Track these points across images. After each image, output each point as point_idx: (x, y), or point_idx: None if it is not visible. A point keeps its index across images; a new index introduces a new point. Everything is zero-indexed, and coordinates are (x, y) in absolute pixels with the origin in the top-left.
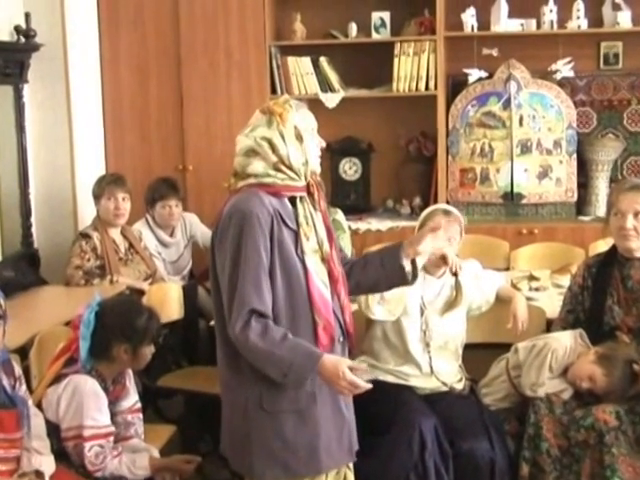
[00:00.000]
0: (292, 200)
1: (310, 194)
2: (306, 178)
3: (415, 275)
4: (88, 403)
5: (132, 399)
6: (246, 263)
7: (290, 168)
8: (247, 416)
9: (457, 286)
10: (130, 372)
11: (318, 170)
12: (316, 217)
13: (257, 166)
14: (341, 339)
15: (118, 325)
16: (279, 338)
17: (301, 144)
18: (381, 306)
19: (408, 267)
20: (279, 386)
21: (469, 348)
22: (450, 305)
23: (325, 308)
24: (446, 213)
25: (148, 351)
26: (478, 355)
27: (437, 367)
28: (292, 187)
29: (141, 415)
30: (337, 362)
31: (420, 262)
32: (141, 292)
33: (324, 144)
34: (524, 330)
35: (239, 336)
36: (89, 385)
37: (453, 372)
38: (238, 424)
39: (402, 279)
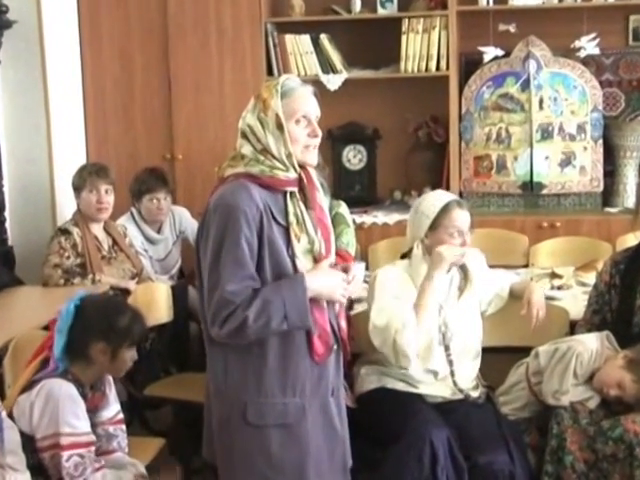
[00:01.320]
0: (283, 195)
1: (302, 189)
2: (295, 170)
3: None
4: (64, 408)
5: (113, 409)
6: (227, 261)
7: (274, 158)
8: (230, 428)
9: (463, 268)
10: (110, 379)
11: (312, 163)
12: (307, 215)
13: (248, 149)
14: (335, 347)
15: (96, 321)
16: (257, 301)
17: (282, 135)
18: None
19: None
20: (266, 397)
21: (485, 352)
22: (461, 290)
23: (320, 316)
24: (460, 205)
25: (128, 356)
26: (495, 360)
27: (458, 371)
28: (281, 179)
29: (124, 426)
30: (317, 268)
31: None
32: (126, 292)
33: (319, 133)
34: (540, 319)
35: (224, 336)
36: (64, 389)
37: (471, 378)
38: (221, 435)
39: None
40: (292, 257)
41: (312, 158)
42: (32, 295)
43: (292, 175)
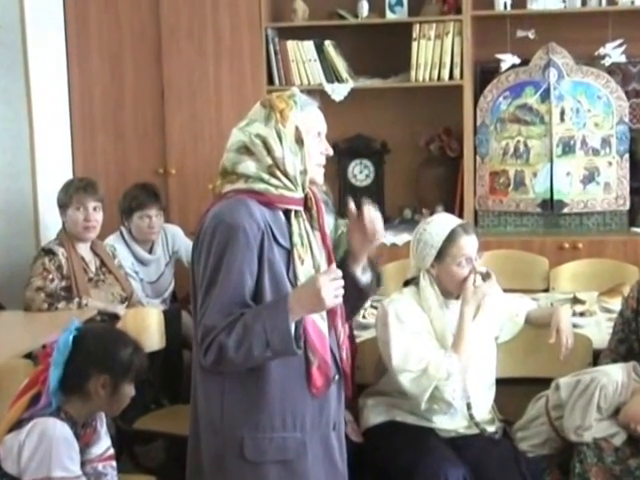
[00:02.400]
0: (286, 214)
1: (308, 209)
2: (304, 189)
3: (378, 280)
4: (58, 450)
5: (104, 444)
6: (222, 286)
7: (285, 175)
8: (225, 466)
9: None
10: (102, 413)
11: (320, 181)
12: (313, 237)
13: (249, 166)
14: (336, 378)
15: (100, 353)
16: (237, 328)
17: (300, 149)
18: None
19: (359, 273)
20: (264, 431)
21: (501, 384)
22: (473, 315)
23: (321, 344)
24: (466, 230)
25: (128, 391)
26: (512, 392)
27: (474, 400)
28: (287, 198)
29: (114, 463)
30: (304, 283)
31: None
32: (115, 318)
33: (331, 152)
34: (569, 348)
35: (209, 367)
36: (58, 429)
37: (487, 409)
38: (214, 474)
39: (361, 297)
40: (294, 281)
41: (321, 177)
42: (13, 320)
43: (298, 195)
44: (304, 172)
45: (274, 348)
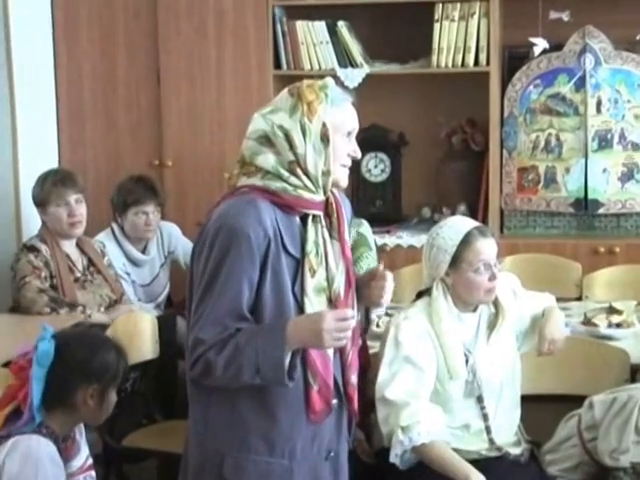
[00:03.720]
0: (303, 219)
1: (328, 215)
2: (325, 192)
3: (367, 324)
4: (45, 471)
5: (83, 455)
6: (218, 295)
7: (306, 174)
8: None
9: (495, 302)
10: (80, 425)
11: (344, 184)
12: (330, 246)
13: (268, 159)
14: (334, 402)
15: (86, 361)
16: (229, 347)
17: (325, 148)
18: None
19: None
20: (248, 452)
21: (528, 402)
22: (492, 326)
23: (324, 367)
24: (483, 233)
25: (113, 397)
26: (540, 411)
27: (495, 426)
28: (305, 201)
29: (94, 473)
30: (309, 314)
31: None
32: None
33: (359, 154)
34: (552, 353)
35: (194, 378)
36: (43, 448)
37: (511, 431)
38: None
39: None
40: (299, 295)
41: (345, 179)
42: None
43: (318, 198)
44: (327, 173)
45: (264, 376)
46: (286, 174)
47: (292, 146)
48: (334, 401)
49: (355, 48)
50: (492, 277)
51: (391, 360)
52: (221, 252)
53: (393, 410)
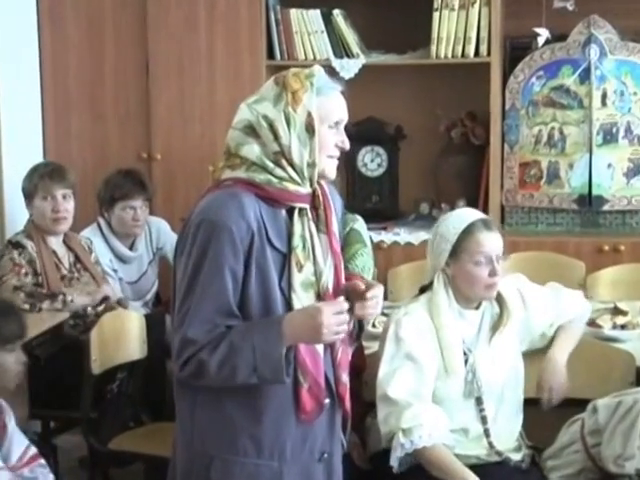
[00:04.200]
0: (290, 212)
1: (315, 207)
2: (312, 184)
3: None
4: None
5: (20, 445)
6: (202, 291)
7: (291, 165)
8: None
9: (499, 299)
10: (7, 408)
11: (332, 176)
12: (317, 240)
13: (254, 149)
14: (327, 402)
15: None
16: (223, 346)
17: (310, 139)
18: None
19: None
20: (236, 454)
21: (529, 405)
22: (495, 326)
23: (314, 364)
24: (487, 226)
25: (10, 359)
26: (542, 415)
27: (494, 430)
28: (290, 193)
29: (43, 461)
30: (305, 308)
31: None
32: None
33: (347, 145)
34: (553, 403)
35: (184, 379)
36: None
37: (512, 436)
38: None
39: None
40: (286, 290)
41: (333, 171)
42: None
43: (304, 190)
44: (312, 165)
45: (261, 375)
46: (271, 165)
47: (277, 136)
48: (326, 400)
49: (351, 38)
50: (493, 272)
51: (392, 357)
52: (202, 247)
53: (395, 410)
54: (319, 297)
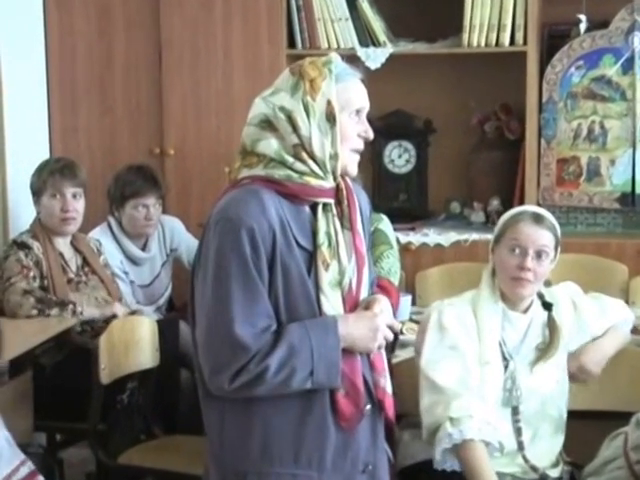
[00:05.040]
0: (313, 208)
1: (338, 202)
2: (335, 177)
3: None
4: None
5: (12, 460)
6: (234, 293)
7: (312, 158)
8: None
9: (551, 325)
10: None
11: (353, 172)
12: (342, 237)
13: (271, 144)
14: (368, 407)
15: None
16: (282, 348)
17: (331, 128)
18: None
19: None
20: (271, 465)
21: (569, 419)
22: (543, 353)
23: (351, 366)
24: (536, 219)
25: None
26: (582, 429)
27: (530, 444)
28: (313, 188)
29: (41, 478)
30: (357, 315)
31: None
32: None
33: (371, 135)
34: (576, 378)
35: (231, 392)
36: None
37: (552, 452)
38: None
39: None
40: (315, 291)
41: (355, 167)
42: None
43: (327, 184)
44: (335, 156)
45: (317, 379)
46: (290, 160)
47: (295, 128)
48: (367, 407)
49: (378, 25)
50: (522, 265)
51: (435, 345)
52: (223, 247)
53: (442, 399)
54: (343, 298)
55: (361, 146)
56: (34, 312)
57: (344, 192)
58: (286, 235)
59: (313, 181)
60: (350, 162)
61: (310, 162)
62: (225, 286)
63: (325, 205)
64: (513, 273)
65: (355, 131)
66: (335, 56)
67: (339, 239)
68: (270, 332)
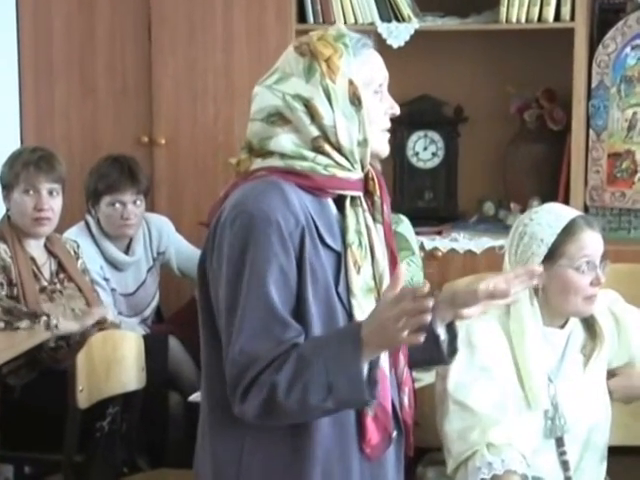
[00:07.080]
0: (338, 202)
1: (368, 193)
2: (363, 167)
3: (454, 349)
4: None
5: None
6: (249, 300)
7: (338, 149)
8: None
9: (588, 320)
10: None
11: (384, 154)
12: (375, 233)
13: (285, 142)
14: (394, 434)
15: None
16: (291, 362)
17: (358, 111)
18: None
19: (444, 335)
20: None
21: (617, 454)
22: (588, 355)
23: (381, 386)
24: (589, 224)
25: None
26: (627, 464)
27: (578, 478)
28: (340, 181)
29: None
30: (376, 308)
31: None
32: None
33: (397, 110)
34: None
35: (251, 417)
36: None
37: None
38: None
39: (435, 353)
40: (346, 297)
41: (386, 147)
42: None
43: (355, 175)
44: (364, 142)
45: (338, 396)
46: (311, 154)
47: (315, 118)
48: (394, 433)
49: None
50: (596, 281)
51: (464, 365)
52: (243, 243)
53: (478, 424)
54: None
55: (389, 124)
56: (0, 325)
57: (375, 182)
58: (312, 234)
59: (340, 173)
60: (381, 143)
61: (335, 154)
62: (240, 293)
63: (353, 198)
64: (586, 292)
65: (381, 109)
66: (342, 27)
67: (372, 236)
68: (290, 344)
